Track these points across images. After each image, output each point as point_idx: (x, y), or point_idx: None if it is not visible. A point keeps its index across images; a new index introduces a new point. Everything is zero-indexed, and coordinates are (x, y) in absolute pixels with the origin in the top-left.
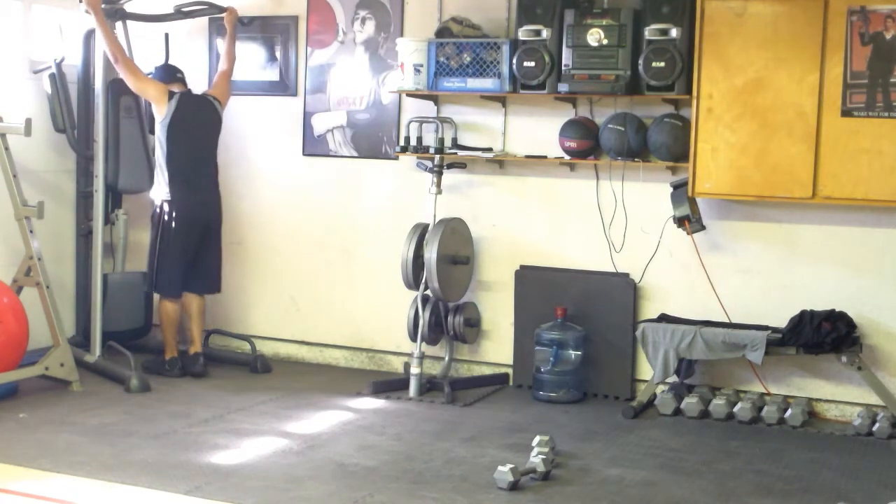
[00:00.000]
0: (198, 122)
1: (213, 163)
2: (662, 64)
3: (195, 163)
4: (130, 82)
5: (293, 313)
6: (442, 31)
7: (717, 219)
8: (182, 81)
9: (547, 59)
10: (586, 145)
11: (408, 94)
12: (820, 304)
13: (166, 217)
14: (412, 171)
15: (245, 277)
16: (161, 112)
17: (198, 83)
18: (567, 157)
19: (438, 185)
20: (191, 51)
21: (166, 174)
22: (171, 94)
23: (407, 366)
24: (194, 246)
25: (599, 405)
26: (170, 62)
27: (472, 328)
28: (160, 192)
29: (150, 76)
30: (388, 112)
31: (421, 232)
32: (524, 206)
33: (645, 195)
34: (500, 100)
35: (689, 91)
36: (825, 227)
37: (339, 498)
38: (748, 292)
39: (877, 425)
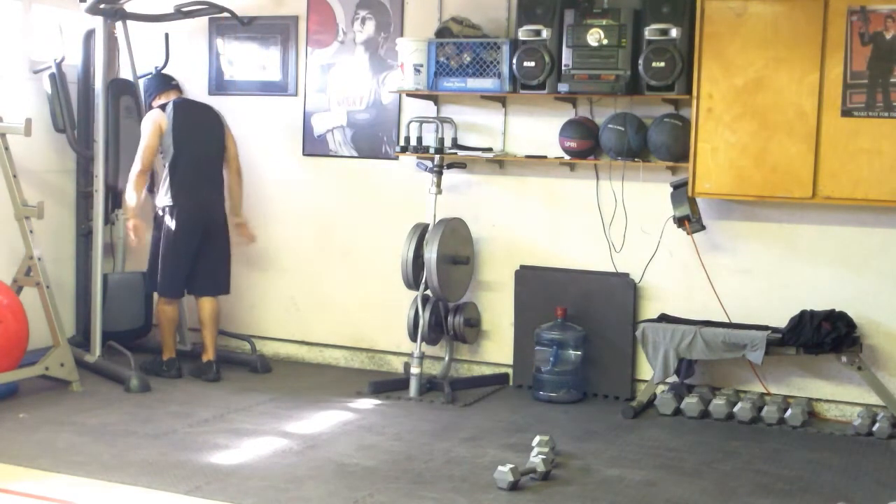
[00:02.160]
0: (199, 126)
1: (218, 165)
2: (662, 64)
3: (199, 166)
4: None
5: (293, 313)
6: (442, 31)
7: (717, 219)
8: (177, 88)
9: (547, 59)
10: (586, 145)
11: (408, 94)
12: (820, 304)
13: (168, 220)
14: (412, 171)
15: (245, 277)
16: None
17: (198, 84)
18: (567, 157)
19: (438, 185)
20: (191, 51)
21: (168, 179)
22: (163, 106)
23: (407, 366)
24: (195, 248)
25: (599, 405)
26: (162, 71)
27: (472, 328)
28: (163, 197)
29: (156, 70)
30: (388, 112)
31: (421, 232)
32: (524, 206)
33: (645, 195)
34: (500, 100)
35: (689, 91)
36: (825, 227)
37: (339, 498)
38: (748, 292)
39: (877, 425)
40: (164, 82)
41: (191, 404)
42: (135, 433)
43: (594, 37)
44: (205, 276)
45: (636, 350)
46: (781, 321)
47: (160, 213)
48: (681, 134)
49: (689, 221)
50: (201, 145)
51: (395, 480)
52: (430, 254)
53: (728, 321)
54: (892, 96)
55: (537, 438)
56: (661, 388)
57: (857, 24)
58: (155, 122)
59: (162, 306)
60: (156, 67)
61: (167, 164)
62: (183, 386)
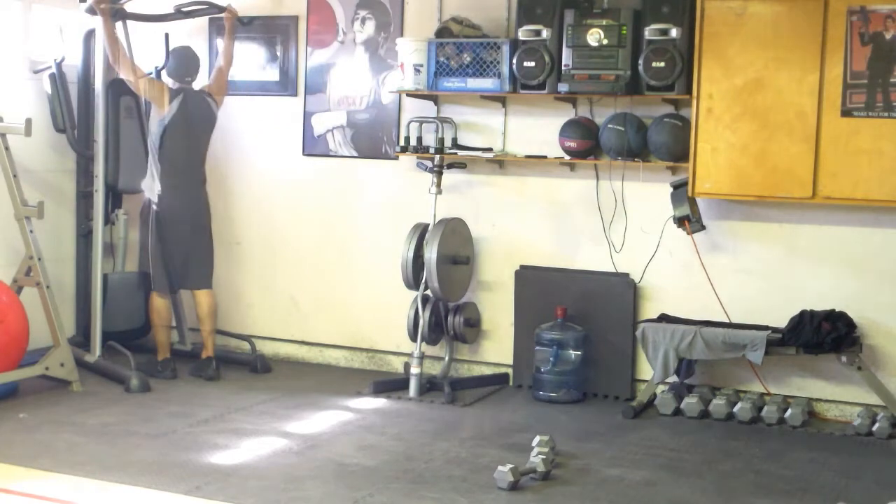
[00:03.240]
0: (195, 122)
1: (202, 162)
2: (662, 64)
3: (187, 162)
4: (130, 83)
5: (293, 313)
6: (442, 31)
7: (717, 219)
8: (189, 84)
9: (547, 59)
10: (586, 145)
11: (408, 94)
12: (820, 304)
13: (154, 215)
14: (412, 171)
15: (245, 277)
16: (162, 111)
17: (198, 84)
18: (567, 157)
19: (438, 185)
20: None
21: (158, 169)
22: (173, 94)
23: (407, 366)
24: (184, 242)
25: (599, 405)
26: (187, 55)
27: (472, 328)
28: (153, 187)
29: (155, 71)
30: (388, 112)
31: (421, 232)
32: (524, 206)
33: (645, 195)
34: (500, 100)
35: (689, 91)
36: (825, 227)
37: (339, 498)
38: (748, 292)
39: (877, 425)
40: (181, 75)
41: (190, 404)
42: (135, 433)
43: (594, 37)
44: (196, 269)
45: (636, 350)
46: (781, 321)
47: (146, 204)
48: (681, 134)
49: (689, 221)
50: (191, 143)
51: (395, 480)
52: (430, 254)
53: (728, 321)
54: (892, 96)
55: (537, 438)
56: (661, 388)
57: (857, 24)
58: (161, 90)
59: (155, 303)
60: (156, 67)
61: (156, 157)
62: (183, 386)
